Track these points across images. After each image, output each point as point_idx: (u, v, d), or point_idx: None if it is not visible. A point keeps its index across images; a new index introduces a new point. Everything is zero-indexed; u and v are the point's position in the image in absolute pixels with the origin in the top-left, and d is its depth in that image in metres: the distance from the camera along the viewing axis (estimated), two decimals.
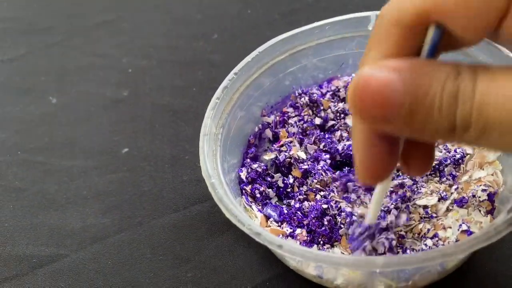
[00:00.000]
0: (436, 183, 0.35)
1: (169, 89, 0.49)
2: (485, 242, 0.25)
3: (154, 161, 0.43)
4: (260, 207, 0.36)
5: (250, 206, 0.36)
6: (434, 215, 0.33)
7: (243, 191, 0.37)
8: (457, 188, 0.34)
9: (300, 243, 0.33)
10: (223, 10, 0.57)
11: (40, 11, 0.61)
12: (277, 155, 0.39)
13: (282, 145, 0.39)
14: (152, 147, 0.44)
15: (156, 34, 0.56)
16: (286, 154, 0.38)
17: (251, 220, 0.30)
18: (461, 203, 0.33)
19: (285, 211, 0.36)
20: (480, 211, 0.33)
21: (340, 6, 0.54)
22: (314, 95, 0.41)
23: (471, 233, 0.31)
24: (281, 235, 0.34)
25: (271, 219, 0.36)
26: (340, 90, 0.41)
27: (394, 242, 0.30)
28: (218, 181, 0.31)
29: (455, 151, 0.36)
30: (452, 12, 0.16)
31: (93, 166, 0.43)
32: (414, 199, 0.33)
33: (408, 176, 0.34)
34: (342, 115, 0.40)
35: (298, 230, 0.34)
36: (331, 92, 0.42)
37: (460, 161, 0.36)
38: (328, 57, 0.41)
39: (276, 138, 0.41)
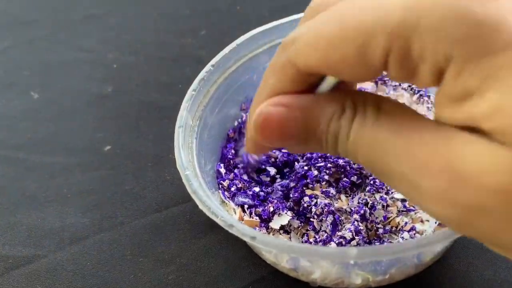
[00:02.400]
0: None
1: (155, 86, 0.48)
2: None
3: (137, 159, 0.42)
4: (230, 198, 0.35)
5: (228, 201, 0.35)
6: (412, 208, 0.32)
7: (220, 185, 0.36)
8: None
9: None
10: (212, 6, 0.56)
11: (25, 4, 0.60)
12: None
13: None
14: (135, 145, 0.43)
15: (144, 29, 0.54)
16: None
17: (226, 212, 0.30)
18: None
19: (259, 192, 0.35)
20: None
21: None
22: None
23: None
24: (256, 227, 0.33)
25: (246, 206, 0.35)
26: None
27: (361, 227, 0.30)
28: (193, 173, 0.30)
29: None
30: (337, 70, 0.17)
31: (75, 163, 0.42)
32: (392, 192, 0.33)
33: None
34: None
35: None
36: None
37: None
38: None
39: None
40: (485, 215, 0.14)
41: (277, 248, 0.25)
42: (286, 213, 0.34)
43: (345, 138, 0.18)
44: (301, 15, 0.39)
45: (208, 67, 0.37)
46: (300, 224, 0.33)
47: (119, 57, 0.51)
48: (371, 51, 0.15)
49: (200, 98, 0.36)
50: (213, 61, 0.37)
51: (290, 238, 0.34)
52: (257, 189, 0.36)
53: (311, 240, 0.33)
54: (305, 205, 0.33)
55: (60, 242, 0.37)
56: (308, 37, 0.17)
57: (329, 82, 0.19)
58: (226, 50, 0.38)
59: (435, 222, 0.31)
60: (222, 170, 0.37)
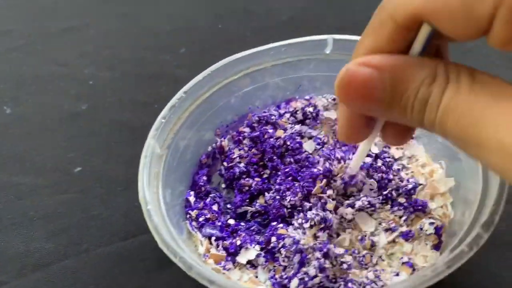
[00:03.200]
0: (387, 211, 0.34)
1: (129, 105, 0.47)
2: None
3: (106, 183, 0.41)
4: (198, 228, 0.35)
5: (195, 232, 0.35)
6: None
7: (188, 215, 0.35)
8: (406, 219, 0.33)
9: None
10: (194, 23, 0.56)
11: (2, 12, 0.59)
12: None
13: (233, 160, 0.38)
14: (106, 167, 0.42)
15: (122, 44, 0.54)
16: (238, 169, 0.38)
17: (187, 250, 0.29)
18: (407, 236, 0.32)
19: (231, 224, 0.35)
20: (427, 244, 0.32)
21: (312, 26, 0.54)
22: (272, 117, 0.40)
23: (411, 265, 0.31)
24: (221, 262, 0.33)
25: (213, 238, 0.34)
26: (298, 112, 0.40)
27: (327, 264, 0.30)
28: (156, 207, 0.30)
29: (407, 180, 0.35)
30: (439, 16, 0.17)
31: (43, 184, 0.42)
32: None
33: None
34: (298, 138, 0.39)
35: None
36: (289, 114, 0.40)
37: (412, 191, 0.35)
38: (285, 78, 0.41)
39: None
40: None
41: None
42: (254, 247, 0.33)
43: (435, 106, 0.17)
44: (273, 44, 0.39)
45: (180, 93, 0.37)
46: (265, 262, 0.33)
47: (95, 72, 0.51)
48: (480, 1, 0.15)
49: (170, 125, 0.36)
50: (186, 87, 0.37)
51: (257, 273, 0.33)
52: (231, 221, 0.36)
53: (277, 276, 0.32)
54: (273, 245, 0.33)
55: (23, 268, 0.36)
56: None
57: (422, 38, 0.19)
58: (200, 76, 0.38)
59: (400, 260, 0.31)
60: (192, 199, 0.36)
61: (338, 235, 0.33)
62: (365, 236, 0.33)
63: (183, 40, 0.53)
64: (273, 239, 0.33)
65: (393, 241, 0.33)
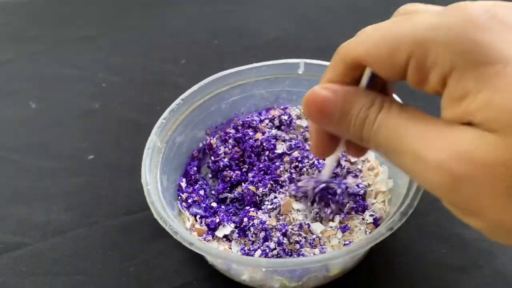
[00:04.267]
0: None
1: (136, 105, 0.56)
2: (354, 252, 0.32)
3: (114, 169, 0.49)
4: (186, 208, 0.43)
5: (184, 210, 0.43)
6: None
7: (179, 197, 0.44)
8: (346, 215, 0.41)
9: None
10: (194, 38, 0.64)
11: (30, 19, 0.68)
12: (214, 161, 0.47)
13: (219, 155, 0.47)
14: (114, 156, 0.51)
15: (131, 53, 0.62)
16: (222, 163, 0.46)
17: (176, 222, 0.37)
18: (344, 229, 0.40)
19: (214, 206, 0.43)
20: (366, 232, 0.40)
21: (294, 46, 0.61)
22: (254, 122, 0.49)
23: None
24: (203, 234, 0.41)
25: (198, 216, 0.42)
26: (275, 119, 0.49)
27: (284, 241, 0.38)
28: (154, 188, 0.38)
29: (358, 186, 0.44)
30: (373, 63, 0.23)
31: (61, 168, 0.50)
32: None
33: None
34: (274, 140, 0.48)
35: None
36: (268, 120, 0.49)
37: (364, 195, 0.43)
38: (266, 91, 0.49)
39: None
40: (472, 184, 0.18)
41: (207, 254, 0.33)
42: (229, 225, 0.42)
43: (371, 124, 0.23)
44: (256, 64, 0.47)
45: (178, 100, 0.45)
46: (238, 237, 0.41)
47: (107, 76, 0.59)
48: (399, 53, 0.21)
49: (169, 125, 0.44)
50: (183, 95, 0.45)
51: (231, 245, 0.42)
52: (214, 204, 0.44)
53: (246, 248, 0.41)
54: (244, 224, 0.41)
55: (44, 234, 0.45)
56: (362, 37, 0.24)
57: (366, 76, 0.25)
58: (195, 87, 0.46)
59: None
60: (183, 184, 0.45)
61: None
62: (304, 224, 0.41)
63: (184, 52, 0.62)
64: (245, 219, 0.42)
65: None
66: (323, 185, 0.41)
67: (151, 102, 0.56)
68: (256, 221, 0.41)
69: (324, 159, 0.44)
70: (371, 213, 0.41)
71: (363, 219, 0.41)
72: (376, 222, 0.41)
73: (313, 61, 0.47)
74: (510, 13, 0.19)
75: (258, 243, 0.40)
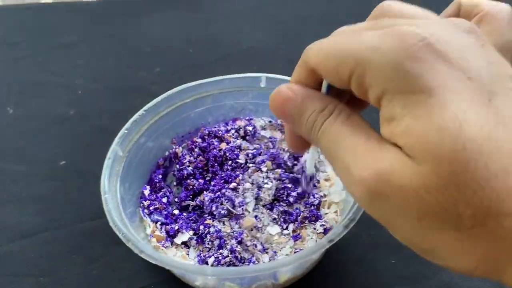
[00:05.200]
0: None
1: (109, 113, 0.58)
2: (299, 260, 0.34)
3: (84, 175, 0.52)
4: (148, 215, 0.45)
5: (145, 217, 0.45)
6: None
7: (142, 204, 0.46)
8: (299, 224, 0.43)
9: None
10: (169, 46, 0.66)
11: (12, 26, 0.70)
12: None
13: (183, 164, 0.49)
14: (84, 163, 0.53)
15: (109, 61, 0.65)
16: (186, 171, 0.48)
17: (131, 229, 0.39)
18: (296, 238, 0.42)
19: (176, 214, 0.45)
20: (316, 241, 0.42)
21: (269, 56, 0.63)
22: (219, 132, 0.51)
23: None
24: (162, 241, 0.43)
25: (159, 223, 0.44)
26: (240, 129, 0.51)
27: (238, 248, 0.41)
28: (113, 196, 0.40)
29: (313, 196, 0.46)
30: (324, 73, 0.25)
31: (34, 173, 0.52)
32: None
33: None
34: (237, 150, 0.49)
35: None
36: (234, 130, 0.51)
37: (319, 205, 0.45)
38: (230, 103, 0.51)
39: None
40: (387, 203, 0.20)
41: (157, 262, 0.35)
42: (188, 232, 0.44)
43: (317, 129, 0.24)
44: (217, 78, 0.49)
45: (141, 111, 0.47)
46: (196, 244, 0.43)
47: (84, 84, 0.61)
48: (342, 69, 0.22)
49: (132, 134, 0.46)
50: (146, 107, 0.47)
51: (188, 252, 0.44)
52: (176, 211, 0.46)
53: (202, 255, 0.43)
54: (201, 232, 0.43)
55: (14, 236, 0.47)
56: (316, 47, 0.25)
57: (325, 82, 0.27)
58: (159, 98, 0.48)
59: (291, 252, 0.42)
60: (146, 192, 0.47)
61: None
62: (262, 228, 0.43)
63: (159, 60, 0.64)
64: (202, 227, 0.44)
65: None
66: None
67: (124, 109, 0.58)
68: (211, 229, 0.43)
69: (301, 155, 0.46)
70: (323, 223, 0.43)
71: (315, 228, 0.43)
72: (326, 232, 0.42)
73: (273, 76, 0.49)
74: (446, 42, 0.20)
75: (214, 250, 0.42)
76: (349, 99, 0.27)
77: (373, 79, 0.21)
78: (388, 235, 0.22)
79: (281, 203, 0.45)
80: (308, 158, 0.39)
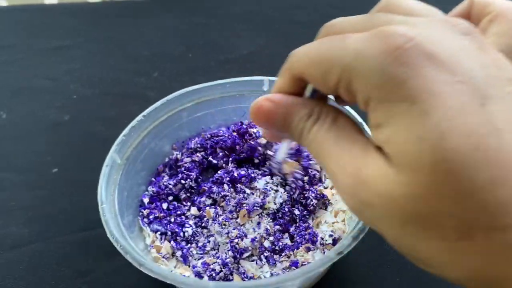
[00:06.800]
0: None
1: (103, 119, 0.56)
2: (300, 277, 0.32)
3: (75, 184, 0.49)
4: (147, 224, 0.43)
5: (145, 226, 0.43)
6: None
7: (140, 213, 0.44)
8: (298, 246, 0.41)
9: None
10: (168, 51, 0.64)
11: (6, 28, 0.68)
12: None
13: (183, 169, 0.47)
14: (77, 171, 0.51)
15: (104, 65, 0.62)
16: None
17: (129, 241, 0.37)
18: (296, 265, 0.40)
19: (170, 223, 0.43)
20: (324, 252, 0.40)
21: (268, 61, 0.62)
22: (221, 137, 0.48)
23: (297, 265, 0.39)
24: (163, 251, 0.41)
25: (159, 233, 0.42)
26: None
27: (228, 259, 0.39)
28: (110, 206, 0.38)
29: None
30: (310, 80, 0.24)
31: (23, 180, 0.50)
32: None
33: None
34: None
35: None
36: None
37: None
38: (231, 107, 0.49)
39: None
40: (370, 208, 0.20)
41: (157, 276, 0.33)
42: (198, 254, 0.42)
43: (306, 135, 0.25)
44: (220, 81, 0.47)
45: (139, 117, 0.45)
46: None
47: (79, 89, 0.59)
48: (329, 76, 0.22)
49: (131, 141, 0.44)
50: (145, 112, 0.45)
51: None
52: (172, 218, 0.44)
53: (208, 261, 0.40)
54: (201, 243, 0.41)
55: (0, 247, 0.45)
56: (301, 53, 0.24)
57: (309, 87, 0.26)
58: (158, 103, 0.46)
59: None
60: (146, 200, 0.45)
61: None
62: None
63: (157, 65, 0.62)
64: (202, 239, 0.42)
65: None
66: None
67: (119, 115, 0.56)
68: (211, 239, 0.41)
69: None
70: (330, 233, 0.41)
71: (322, 238, 0.41)
72: (334, 243, 0.40)
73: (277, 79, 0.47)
74: (436, 42, 0.19)
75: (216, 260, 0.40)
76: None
77: (358, 86, 0.20)
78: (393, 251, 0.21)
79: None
80: (281, 147, 0.39)
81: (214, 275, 0.39)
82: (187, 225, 0.44)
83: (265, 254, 0.41)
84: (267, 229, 0.42)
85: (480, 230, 0.17)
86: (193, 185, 0.46)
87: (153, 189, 0.46)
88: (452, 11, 0.32)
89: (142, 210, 0.44)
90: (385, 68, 0.19)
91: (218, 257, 0.40)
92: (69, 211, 0.47)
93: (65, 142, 0.54)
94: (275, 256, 0.41)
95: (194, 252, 0.42)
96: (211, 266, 0.39)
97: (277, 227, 0.42)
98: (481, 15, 0.33)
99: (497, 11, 0.32)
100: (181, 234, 0.42)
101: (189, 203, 0.45)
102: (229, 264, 0.39)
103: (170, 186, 0.46)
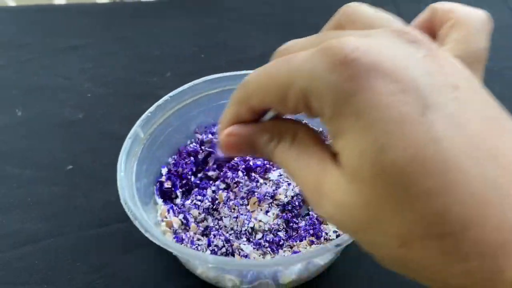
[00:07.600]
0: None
1: (117, 117, 0.57)
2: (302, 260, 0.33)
3: (90, 180, 0.50)
4: (163, 201, 0.44)
5: (159, 202, 0.45)
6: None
7: (157, 185, 0.45)
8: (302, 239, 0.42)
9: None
10: (180, 51, 0.65)
11: (22, 27, 0.69)
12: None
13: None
14: (92, 168, 0.51)
15: (118, 65, 0.63)
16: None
17: (139, 208, 0.38)
18: (312, 242, 0.41)
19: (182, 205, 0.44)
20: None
21: None
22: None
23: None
24: (174, 225, 0.42)
25: (170, 208, 0.44)
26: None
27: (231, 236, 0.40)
28: (128, 175, 0.40)
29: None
30: (269, 107, 0.24)
31: (40, 177, 0.51)
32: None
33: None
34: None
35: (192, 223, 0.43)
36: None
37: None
38: None
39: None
40: (334, 219, 0.21)
41: (161, 244, 0.34)
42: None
43: (271, 155, 0.26)
44: (244, 72, 0.49)
45: (166, 97, 0.46)
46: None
47: (93, 87, 0.60)
48: (287, 100, 0.22)
49: (155, 119, 0.46)
50: (172, 93, 0.47)
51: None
52: (189, 202, 0.44)
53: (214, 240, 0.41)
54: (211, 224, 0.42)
55: (16, 242, 0.45)
56: (254, 84, 0.24)
57: (270, 113, 0.27)
58: (185, 86, 0.48)
59: None
60: (163, 178, 0.46)
61: None
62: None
63: (170, 65, 0.63)
64: (211, 223, 0.43)
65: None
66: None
67: (132, 114, 0.56)
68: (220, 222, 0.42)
69: None
70: (335, 229, 0.42)
71: (327, 233, 0.42)
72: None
73: None
74: (379, 53, 0.19)
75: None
76: None
77: (313, 104, 0.20)
78: None
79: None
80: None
81: (216, 250, 0.40)
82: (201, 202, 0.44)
83: (268, 240, 0.41)
84: (274, 219, 0.42)
85: (418, 239, 0.18)
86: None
87: (172, 163, 0.47)
88: (414, 20, 0.33)
89: (159, 186, 0.45)
90: (331, 84, 0.19)
91: (221, 235, 0.41)
92: (84, 207, 0.48)
93: (80, 139, 0.54)
94: (278, 246, 0.41)
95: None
96: (214, 242, 0.40)
97: (285, 218, 0.42)
98: (443, 21, 0.33)
99: (457, 18, 0.31)
100: (194, 210, 0.43)
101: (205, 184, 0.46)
102: (232, 243, 0.40)
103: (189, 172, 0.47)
